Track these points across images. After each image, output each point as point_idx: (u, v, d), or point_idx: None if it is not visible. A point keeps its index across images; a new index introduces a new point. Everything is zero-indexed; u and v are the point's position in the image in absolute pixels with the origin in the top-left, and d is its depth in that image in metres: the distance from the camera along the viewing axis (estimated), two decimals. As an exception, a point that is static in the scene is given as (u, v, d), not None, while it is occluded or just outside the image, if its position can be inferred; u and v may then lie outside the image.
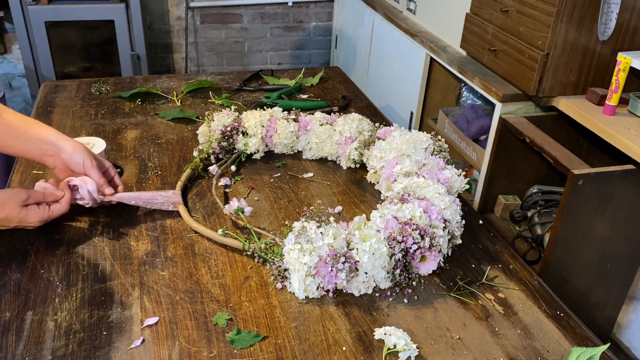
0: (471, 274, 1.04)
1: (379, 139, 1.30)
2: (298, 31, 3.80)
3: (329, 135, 1.35)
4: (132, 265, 1.00)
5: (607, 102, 1.67)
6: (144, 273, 0.98)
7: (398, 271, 0.96)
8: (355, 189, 1.27)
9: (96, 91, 1.68)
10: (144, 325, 0.87)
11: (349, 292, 0.96)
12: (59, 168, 1.08)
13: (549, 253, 1.70)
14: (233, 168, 1.31)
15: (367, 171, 1.30)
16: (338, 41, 3.70)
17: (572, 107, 1.75)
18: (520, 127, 1.84)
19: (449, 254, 1.06)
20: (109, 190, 1.09)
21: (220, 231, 1.05)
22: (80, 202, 1.09)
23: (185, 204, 1.17)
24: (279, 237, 1.01)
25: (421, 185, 1.07)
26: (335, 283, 0.93)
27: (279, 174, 1.31)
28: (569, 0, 1.64)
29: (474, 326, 0.91)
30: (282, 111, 1.40)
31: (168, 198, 1.14)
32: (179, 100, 1.65)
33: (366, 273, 0.94)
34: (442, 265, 1.03)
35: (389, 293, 0.97)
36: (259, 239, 1.04)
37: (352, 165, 1.35)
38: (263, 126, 1.35)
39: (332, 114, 1.45)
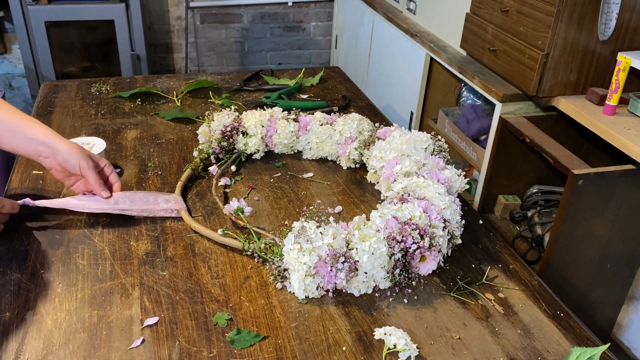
0: (471, 274, 1.04)
1: (379, 139, 1.30)
2: (298, 31, 3.80)
3: (329, 135, 1.35)
4: (132, 265, 1.00)
5: (607, 102, 1.67)
6: (144, 273, 0.98)
7: (398, 271, 0.96)
8: (355, 189, 1.27)
9: (96, 91, 1.68)
10: (144, 325, 0.87)
11: (348, 292, 0.96)
12: (55, 169, 1.07)
13: (549, 253, 1.70)
14: (233, 168, 1.31)
15: (367, 171, 1.30)
16: (338, 41, 3.70)
17: (572, 107, 1.75)
18: (520, 127, 1.84)
19: (449, 254, 1.06)
20: (104, 193, 1.08)
21: (220, 231, 1.05)
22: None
23: (186, 204, 1.17)
24: (278, 237, 1.01)
25: (421, 185, 1.07)
26: (335, 283, 0.93)
27: (279, 174, 1.31)
28: (569, 0, 1.64)
29: (474, 326, 0.91)
30: (282, 111, 1.40)
31: (170, 206, 1.13)
32: (179, 100, 1.65)
33: (366, 273, 0.94)
34: (442, 265, 1.03)
35: (388, 293, 0.97)
36: (258, 239, 1.04)
37: (352, 165, 1.35)
38: (263, 126, 1.35)
39: (332, 114, 1.45)
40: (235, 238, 1.05)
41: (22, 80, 3.43)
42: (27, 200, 1.08)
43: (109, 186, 1.11)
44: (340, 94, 1.76)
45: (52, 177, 1.21)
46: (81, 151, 1.07)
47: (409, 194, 1.06)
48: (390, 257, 0.96)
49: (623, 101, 1.70)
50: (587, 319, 1.82)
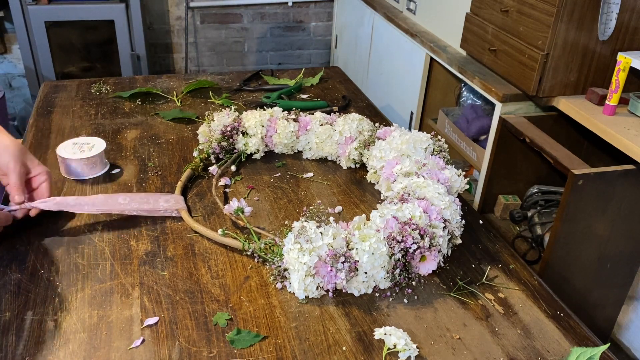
0: (471, 274, 1.04)
1: (379, 139, 1.30)
2: (298, 31, 3.80)
3: (329, 135, 1.35)
4: (132, 265, 1.00)
5: (607, 102, 1.67)
6: (144, 273, 0.98)
7: (398, 271, 0.96)
8: (355, 189, 1.27)
9: (96, 91, 1.68)
10: (144, 325, 0.87)
11: (348, 292, 0.96)
12: None
13: (549, 253, 1.70)
14: (233, 168, 1.31)
15: (367, 171, 1.30)
16: (338, 41, 3.70)
17: (572, 107, 1.75)
18: (520, 127, 1.84)
19: (449, 254, 1.06)
20: (18, 197, 1.03)
21: (220, 231, 1.05)
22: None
23: (186, 204, 1.17)
24: (278, 237, 1.01)
25: (421, 185, 1.07)
26: (335, 283, 0.93)
27: (279, 174, 1.31)
28: (569, 0, 1.64)
29: (474, 326, 0.91)
30: (282, 111, 1.40)
31: (171, 206, 1.13)
32: (179, 100, 1.65)
33: (366, 273, 0.94)
34: (442, 265, 1.03)
35: (388, 293, 0.97)
36: (258, 239, 1.04)
37: (352, 165, 1.35)
38: (263, 126, 1.35)
39: (332, 114, 1.45)
40: (235, 238, 1.05)
41: (22, 80, 3.43)
42: (14, 206, 1.04)
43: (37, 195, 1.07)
44: (340, 94, 1.76)
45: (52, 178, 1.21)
46: (18, 153, 1.04)
47: (409, 194, 1.06)
48: (390, 257, 0.96)
49: (623, 101, 1.70)
50: (587, 319, 1.82)
